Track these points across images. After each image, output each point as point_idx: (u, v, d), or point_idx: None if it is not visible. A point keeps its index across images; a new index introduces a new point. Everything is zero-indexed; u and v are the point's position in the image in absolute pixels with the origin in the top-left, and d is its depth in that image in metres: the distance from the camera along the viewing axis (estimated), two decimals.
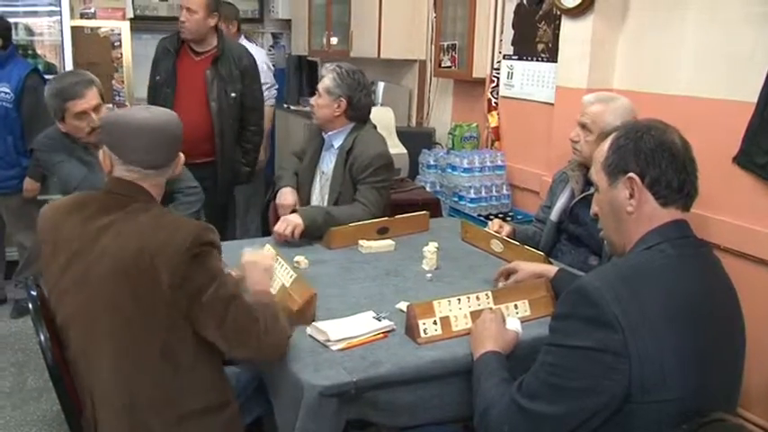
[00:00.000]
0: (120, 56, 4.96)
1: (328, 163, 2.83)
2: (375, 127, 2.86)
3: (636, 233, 1.36)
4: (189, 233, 1.49)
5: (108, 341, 1.53)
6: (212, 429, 1.61)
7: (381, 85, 4.55)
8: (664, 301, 1.24)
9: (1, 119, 3.69)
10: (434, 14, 4.24)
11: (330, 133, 2.79)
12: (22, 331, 3.70)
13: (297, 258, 2.15)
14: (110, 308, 1.51)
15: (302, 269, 2.11)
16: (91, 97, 2.50)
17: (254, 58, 3.64)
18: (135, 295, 1.48)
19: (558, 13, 3.16)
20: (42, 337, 1.69)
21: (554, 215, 2.51)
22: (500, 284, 2.02)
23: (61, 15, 4.37)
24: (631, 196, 1.35)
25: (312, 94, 5.73)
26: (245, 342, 1.54)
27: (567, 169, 2.54)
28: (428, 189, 3.65)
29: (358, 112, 2.75)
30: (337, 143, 2.78)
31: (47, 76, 3.78)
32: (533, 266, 2.02)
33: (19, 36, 4.42)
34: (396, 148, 3.41)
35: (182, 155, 1.70)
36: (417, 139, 4.02)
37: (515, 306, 1.84)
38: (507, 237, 2.40)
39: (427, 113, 4.57)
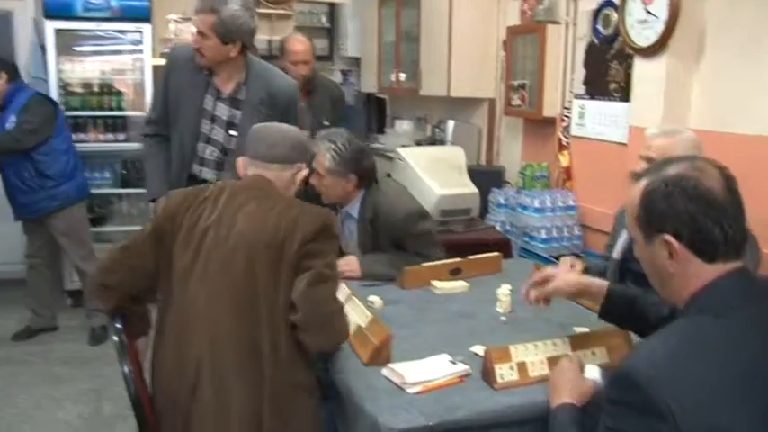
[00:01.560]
0: None
1: (349, 234, 2.68)
2: (388, 174, 2.82)
3: (684, 291, 1.25)
4: (322, 213, 1.81)
5: (236, 287, 1.72)
6: (310, 408, 1.80)
7: (451, 123, 4.60)
8: (721, 375, 1.13)
9: None
10: (504, 53, 4.27)
11: (346, 208, 2.65)
12: (98, 358, 3.84)
13: (371, 297, 2.18)
14: (245, 267, 1.71)
15: (376, 309, 2.13)
16: None
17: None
18: (271, 257, 1.71)
19: (631, 52, 3.14)
20: (126, 369, 1.78)
21: (616, 253, 2.43)
22: (531, 292, 1.86)
23: (143, 54, 4.59)
24: (671, 256, 1.23)
25: (380, 130, 5.92)
26: (319, 315, 1.72)
27: None
28: (498, 228, 3.64)
29: (369, 178, 2.61)
30: (355, 212, 2.64)
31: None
32: (574, 276, 1.88)
33: (105, 75, 4.69)
34: (466, 187, 3.43)
35: (304, 170, 1.95)
36: (487, 177, 4.02)
37: (593, 353, 1.81)
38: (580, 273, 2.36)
39: (497, 152, 4.57)
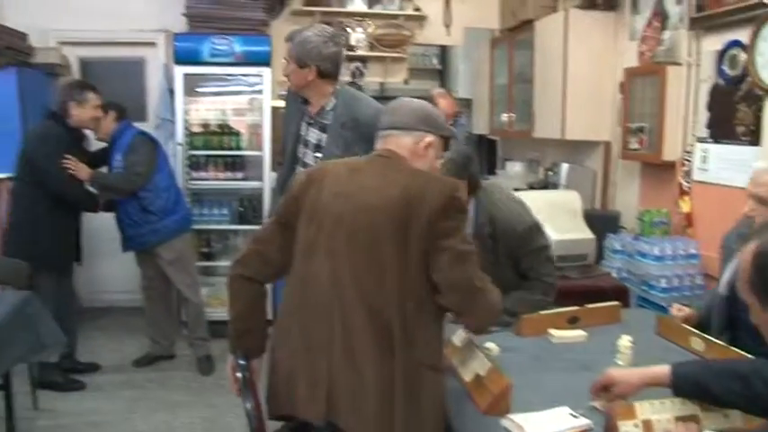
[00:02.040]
0: None
1: None
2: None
3: None
4: (448, 184, 1.77)
5: (369, 277, 1.71)
6: (438, 384, 1.78)
7: (564, 166, 4.53)
8: None
9: None
10: (621, 95, 4.18)
11: None
12: (212, 387, 4.02)
13: (488, 344, 2.16)
14: (375, 235, 1.71)
15: (493, 356, 2.12)
16: None
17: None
18: (396, 229, 1.70)
19: (762, 93, 3.01)
20: (249, 405, 1.84)
21: (722, 287, 2.27)
22: (599, 404, 1.76)
23: (263, 96, 4.84)
24: None
25: (491, 172, 5.91)
26: (469, 297, 1.73)
27: (738, 230, 2.32)
28: (614, 275, 3.53)
29: (476, 185, 2.52)
30: (469, 226, 2.52)
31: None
32: (635, 375, 1.72)
33: (225, 116, 4.98)
34: (582, 232, 3.37)
35: (429, 137, 1.86)
36: (602, 222, 3.92)
37: (725, 415, 1.72)
38: (686, 322, 2.29)
39: (612, 196, 4.46)
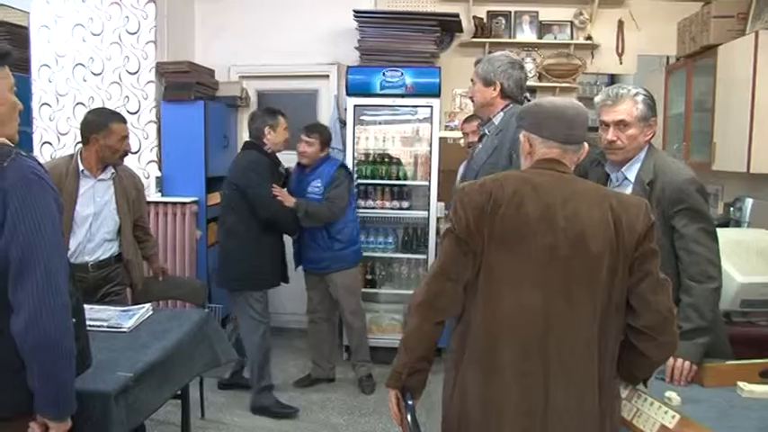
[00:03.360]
0: None
1: None
2: None
3: None
4: (643, 204, 1.75)
5: (585, 305, 1.70)
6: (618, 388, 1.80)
7: (749, 201, 4.17)
8: None
9: None
10: None
11: (623, 169, 2.47)
12: (371, 411, 4.10)
13: (668, 394, 2.02)
14: (586, 263, 1.69)
15: (674, 406, 1.97)
16: None
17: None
18: (606, 248, 1.68)
19: None
20: None
21: None
22: None
23: (432, 126, 4.90)
24: None
25: None
26: (664, 324, 1.71)
27: None
28: None
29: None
30: (632, 174, 2.44)
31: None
32: None
33: (394, 146, 5.11)
34: None
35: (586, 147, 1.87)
36: None
37: None
38: None
39: None
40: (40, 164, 1.69)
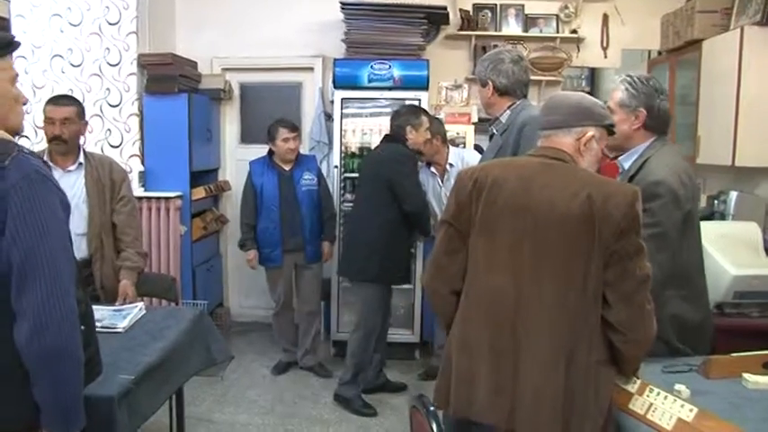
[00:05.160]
0: None
1: None
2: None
3: None
4: (632, 194, 1.72)
5: (554, 290, 1.72)
6: (611, 378, 1.81)
7: (734, 194, 4.22)
8: None
9: (312, 200, 4.44)
10: None
11: (621, 158, 2.46)
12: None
13: (677, 387, 2.02)
14: (556, 249, 1.72)
15: (684, 399, 1.98)
16: None
17: None
18: (579, 236, 1.69)
19: None
20: None
21: None
22: None
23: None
24: None
25: None
26: (639, 319, 1.74)
27: None
28: None
29: (660, 123, 2.39)
30: (627, 165, 2.43)
31: None
32: None
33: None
34: (763, 268, 3.10)
35: (591, 131, 1.86)
36: None
37: None
38: None
39: None
40: (44, 161, 1.62)
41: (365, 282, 4.00)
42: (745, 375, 2.16)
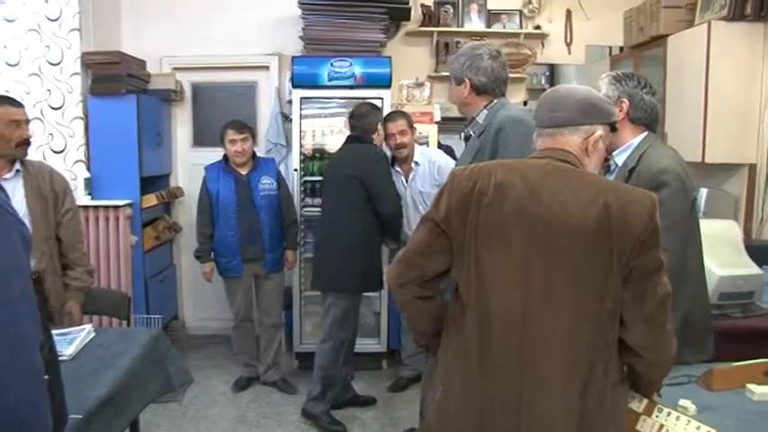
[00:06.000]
0: None
1: None
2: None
3: None
4: (651, 202, 1.55)
5: (569, 308, 1.54)
6: (625, 395, 1.69)
7: (704, 191, 4.16)
8: None
9: (271, 206, 4.24)
10: None
11: (615, 153, 2.34)
12: None
13: (682, 402, 1.88)
14: (570, 263, 1.54)
15: (690, 416, 1.84)
16: None
17: None
18: (595, 249, 1.52)
19: None
20: None
21: None
22: None
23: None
24: None
25: None
26: (660, 342, 1.60)
27: None
28: None
29: (649, 119, 2.32)
30: (621, 160, 2.31)
31: None
32: None
33: (340, 142, 4.78)
34: (749, 267, 3.02)
35: (600, 130, 1.70)
36: (753, 253, 3.53)
37: None
38: None
39: (758, 224, 4.06)
40: (1, 188, 1.33)
41: (343, 293, 3.76)
42: (750, 386, 2.05)
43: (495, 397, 1.59)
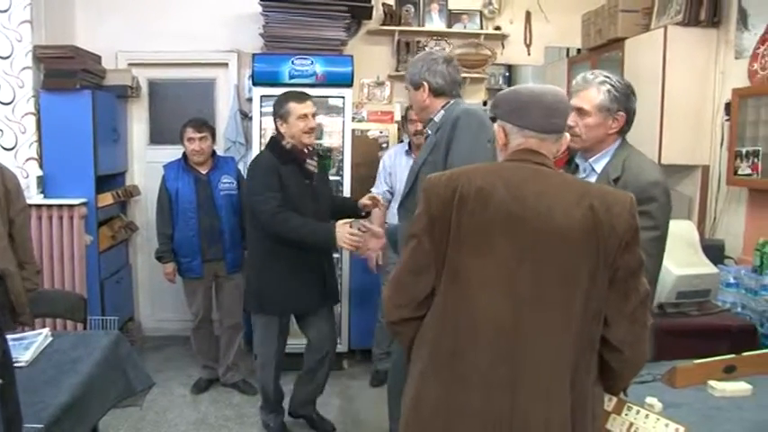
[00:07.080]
0: None
1: None
2: None
3: None
4: (631, 203, 1.58)
5: (558, 312, 1.54)
6: (602, 397, 1.70)
7: None
8: None
9: (231, 205, 4.17)
10: (726, 117, 3.91)
11: (590, 160, 2.33)
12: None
13: (648, 400, 1.92)
14: (558, 265, 1.53)
15: (658, 413, 1.87)
16: None
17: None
18: (583, 251, 1.52)
19: None
20: None
21: None
22: None
23: (344, 118, 4.64)
24: None
25: None
26: (638, 338, 1.60)
27: None
28: (738, 312, 3.25)
29: (629, 126, 2.34)
30: (600, 166, 2.30)
31: None
32: None
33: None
34: (705, 266, 3.10)
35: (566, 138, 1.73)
36: (708, 253, 3.62)
37: None
38: None
39: (711, 224, 4.17)
40: None
41: (252, 312, 3.59)
42: (711, 383, 2.11)
43: (487, 409, 1.56)
